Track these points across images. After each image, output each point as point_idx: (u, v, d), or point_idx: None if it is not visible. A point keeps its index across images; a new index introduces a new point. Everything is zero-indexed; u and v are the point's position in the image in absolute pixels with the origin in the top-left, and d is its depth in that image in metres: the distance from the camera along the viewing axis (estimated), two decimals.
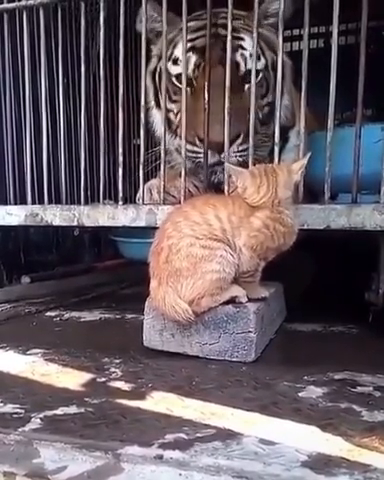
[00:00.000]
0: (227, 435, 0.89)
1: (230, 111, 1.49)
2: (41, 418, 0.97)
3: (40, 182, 1.77)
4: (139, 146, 1.63)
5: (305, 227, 1.39)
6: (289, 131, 1.88)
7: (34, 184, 1.80)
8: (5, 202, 1.82)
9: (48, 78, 1.77)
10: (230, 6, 1.46)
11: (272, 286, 1.51)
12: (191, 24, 1.71)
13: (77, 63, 1.81)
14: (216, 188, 1.63)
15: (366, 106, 1.48)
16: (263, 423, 0.94)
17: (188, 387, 1.12)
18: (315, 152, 1.35)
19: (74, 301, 2.13)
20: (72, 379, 1.18)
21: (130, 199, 1.88)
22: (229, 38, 1.48)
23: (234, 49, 1.69)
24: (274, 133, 1.47)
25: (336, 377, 1.18)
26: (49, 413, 0.99)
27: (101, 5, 1.61)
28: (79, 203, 1.69)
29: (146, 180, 1.70)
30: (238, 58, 1.71)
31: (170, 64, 1.79)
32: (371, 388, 1.11)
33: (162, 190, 1.57)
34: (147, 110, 1.90)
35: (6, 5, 1.74)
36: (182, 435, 0.88)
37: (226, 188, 1.49)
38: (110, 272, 2.75)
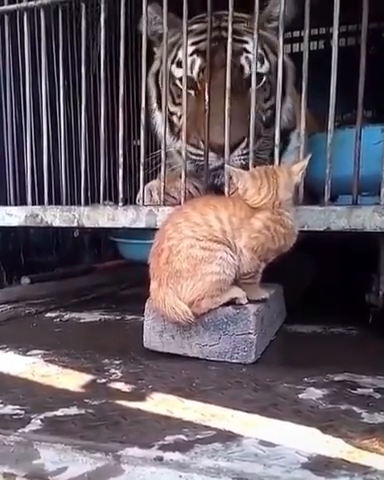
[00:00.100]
0: (227, 437, 0.88)
1: (235, 114, 1.49)
2: (41, 419, 0.96)
3: (40, 183, 1.77)
4: (139, 147, 1.63)
5: (305, 229, 1.39)
6: (290, 133, 1.88)
7: (34, 185, 1.80)
8: (5, 203, 1.83)
9: (48, 79, 1.77)
10: (231, 9, 1.46)
11: (272, 287, 1.51)
12: (195, 27, 1.71)
13: (78, 64, 1.81)
14: (217, 190, 1.63)
15: (366, 108, 1.48)
16: (263, 425, 0.94)
17: (188, 388, 1.12)
18: (315, 154, 1.35)
19: (74, 302, 2.13)
20: (72, 380, 1.18)
21: (130, 200, 1.88)
22: (230, 40, 1.48)
23: (238, 52, 1.69)
24: (279, 136, 1.47)
25: (336, 379, 1.18)
26: (49, 414, 0.99)
27: (102, 6, 1.61)
28: (79, 204, 1.69)
29: (146, 181, 1.70)
30: (242, 61, 1.71)
31: (174, 67, 1.79)
32: (371, 390, 1.10)
33: (162, 191, 1.58)
34: (149, 112, 1.90)
35: (7, 6, 1.74)
36: (182, 437, 0.88)
37: (226, 189, 1.49)
38: (110, 273, 2.75)
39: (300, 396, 1.07)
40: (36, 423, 0.95)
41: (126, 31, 1.60)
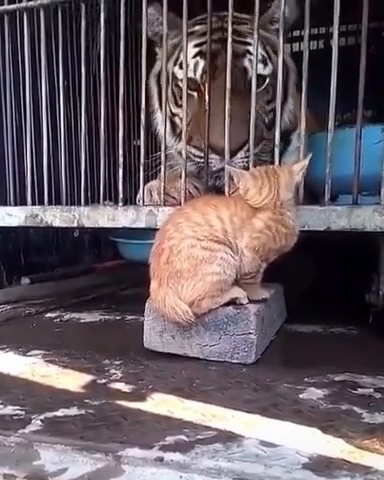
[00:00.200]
0: (228, 437, 0.88)
1: (238, 117, 1.48)
2: (41, 420, 0.96)
3: (40, 183, 1.76)
4: (139, 147, 1.63)
5: (305, 228, 1.38)
6: (291, 134, 1.88)
7: (34, 185, 1.80)
8: (5, 203, 1.82)
9: (48, 79, 1.77)
10: (230, 10, 1.46)
11: (272, 287, 1.51)
12: (197, 28, 1.71)
13: (77, 64, 1.81)
14: (218, 191, 1.63)
15: (366, 107, 1.48)
16: (264, 425, 0.94)
17: (188, 389, 1.12)
18: (315, 153, 1.35)
19: (74, 302, 2.13)
20: (72, 380, 1.18)
21: (130, 200, 1.87)
22: (230, 41, 1.47)
23: (241, 54, 1.69)
24: (279, 137, 1.46)
25: (337, 379, 1.18)
26: (49, 415, 0.99)
27: (101, 6, 1.60)
28: (79, 204, 1.69)
29: (147, 182, 1.69)
30: (246, 63, 1.70)
31: (177, 68, 1.79)
32: (372, 390, 1.10)
33: (162, 191, 1.57)
34: (150, 113, 1.90)
35: (6, 6, 1.74)
36: (183, 437, 0.88)
37: (227, 190, 1.49)
38: (110, 273, 2.75)
39: (301, 396, 1.07)
40: (36, 424, 0.95)
41: (126, 31, 1.60)
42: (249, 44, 1.69)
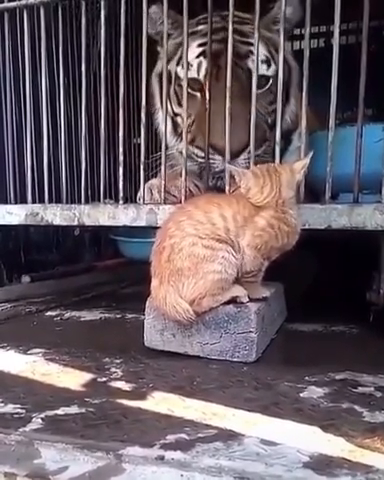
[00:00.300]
0: (228, 436, 0.88)
1: (241, 118, 1.48)
2: (42, 418, 0.96)
3: (40, 181, 1.76)
4: (140, 145, 1.63)
5: (306, 227, 1.38)
6: (292, 133, 1.88)
7: (34, 183, 1.79)
8: (5, 201, 1.82)
9: (48, 77, 1.77)
10: (231, 9, 1.45)
11: (273, 286, 1.51)
12: (201, 28, 1.70)
13: (78, 62, 1.81)
14: (218, 191, 1.63)
15: (367, 106, 1.47)
16: (264, 423, 0.94)
17: (189, 387, 1.12)
18: (316, 152, 1.35)
19: (74, 301, 2.12)
20: (73, 379, 1.18)
21: (131, 198, 1.87)
22: (230, 40, 1.47)
23: (245, 55, 1.68)
24: (279, 135, 1.46)
25: (337, 377, 1.18)
26: (50, 413, 0.99)
27: (102, 4, 1.60)
28: (79, 202, 1.69)
29: (147, 181, 1.69)
30: (249, 64, 1.69)
31: (180, 68, 1.78)
32: (372, 388, 1.10)
33: (163, 190, 1.57)
34: (153, 112, 1.90)
35: (6, 4, 1.74)
36: (183, 435, 0.88)
37: (227, 188, 1.49)
38: (110, 271, 2.75)
39: (301, 395, 1.07)
40: (37, 422, 0.95)
41: (126, 29, 1.59)
42: (252, 44, 1.68)
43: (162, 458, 0.80)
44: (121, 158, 1.65)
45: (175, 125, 1.87)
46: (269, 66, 1.73)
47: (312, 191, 1.51)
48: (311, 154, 1.31)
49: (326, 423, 0.93)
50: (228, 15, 1.61)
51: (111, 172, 1.81)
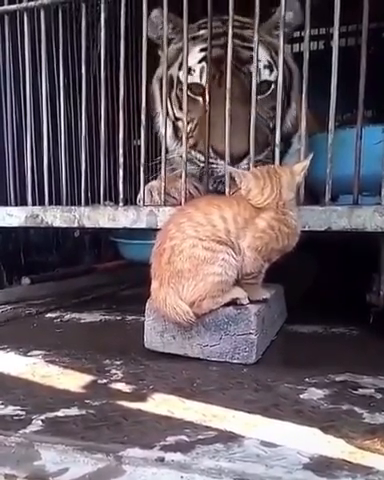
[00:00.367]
0: (228, 437, 0.88)
1: (244, 123, 1.48)
2: (42, 420, 0.96)
3: (40, 183, 1.76)
4: (140, 147, 1.63)
5: (306, 229, 1.38)
6: (292, 136, 1.88)
7: (34, 185, 1.80)
8: (5, 203, 1.82)
9: (49, 79, 1.77)
10: (231, 13, 1.45)
11: (273, 288, 1.51)
12: (203, 32, 1.70)
13: (78, 65, 1.81)
14: (219, 193, 1.63)
15: (366, 107, 1.48)
16: (264, 425, 0.94)
17: (189, 389, 1.12)
18: (316, 154, 1.35)
19: (74, 302, 2.13)
20: (73, 381, 1.18)
21: (131, 200, 1.88)
22: (230, 44, 1.47)
23: (247, 60, 1.68)
24: (279, 136, 1.46)
25: (337, 379, 1.18)
26: (50, 415, 0.99)
27: (102, 6, 1.60)
28: (79, 204, 1.69)
29: (147, 182, 1.69)
30: (252, 69, 1.69)
31: (182, 73, 1.78)
32: (372, 390, 1.10)
33: (163, 191, 1.57)
34: (154, 116, 1.90)
35: (7, 7, 1.74)
36: (183, 437, 0.88)
37: (227, 190, 1.49)
38: (110, 273, 2.75)
39: (301, 396, 1.07)
40: (37, 424, 0.95)
41: (126, 31, 1.60)
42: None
43: (162, 460, 0.80)
44: (121, 160, 1.65)
45: (176, 129, 1.87)
46: (271, 71, 1.73)
47: (312, 193, 1.51)
48: (311, 156, 1.31)
49: (326, 425, 0.93)
50: (227, 20, 1.61)
51: (111, 174, 1.82)
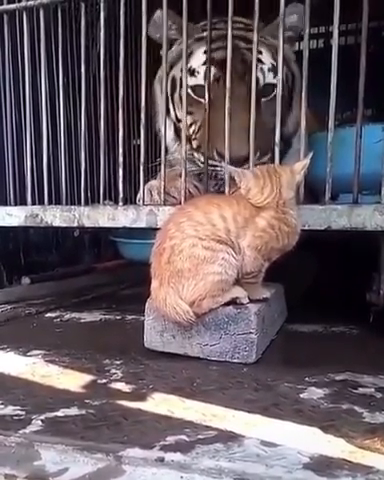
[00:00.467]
0: (228, 437, 0.88)
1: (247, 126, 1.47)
2: (42, 420, 0.96)
3: (40, 183, 1.76)
4: (139, 147, 1.63)
5: (306, 228, 1.38)
6: (292, 137, 1.87)
7: (34, 185, 1.79)
8: (5, 203, 1.82)
9: (48, 79, 1.77)
10: (230, 14, 1.45)
11: (273, 287, 1.51)
12: (207, 34, 1.68)
13: (77, 64, 1.81)
14: (219, 193, 1.63)
15: (366, 106, 1.47)
16: (264, 425, 0.94)
17: (189, 388, 1.12)
18: (316, 152, 1.35)
19: (74, 302, 2.12)
20: (73, 380, 1.18)
21: (130, 200, 1.87)
22: (229, 44, 1.46)
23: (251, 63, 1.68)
24: (279, 135, 1.46)
25: (337, 378, 1.18)
26: (50, 415, 0.99)
27: (101, 5, 1.60)
28: (79, 204, 1.69)
29: (147, 181, 1.69)
30: (258, 73, 1.68)
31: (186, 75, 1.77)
32: (372, 389, 1.10)
33: (162, 191, 1.57)
34: (154, 117, 1.90)
35: (6, 6, 1.74)
36: (183, 437, 0.88)
37: (227, 189, 1.49)
38: (110, 273, 2.75)
39: (301, 396, 1.07)
40: (37, 424, 0.95)
41: (126, 31, 1.59)
42: (259, 52, 1.67)
43: (162, 459, 0.80)
44: (121, 159, 1.65)
45: (178, 130, 1.86)
46: (275, 74, 1.72)
47: (312, 192, 1.51)
48: (311, 155, 1.31)
49: (326, 424, 0.93)
50: (234, 21, 1.60)
51: (111, 173, 1.81)
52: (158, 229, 1.37)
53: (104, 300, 2.19)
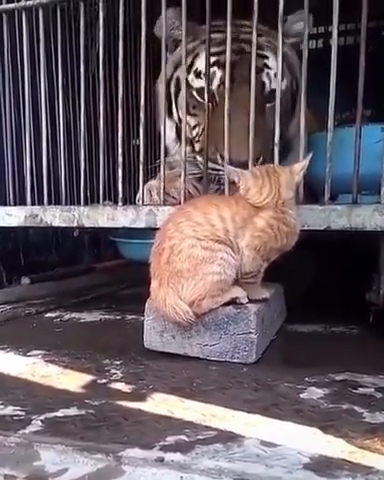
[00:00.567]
0: (228, 437, 0.88)
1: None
2: (42, 420, 0.96)
3: (40, 183, 1.76)
4: (139, 147, 1.63)
5: (305, 228, 1.38)
6: (293, 141, 1.87)
7: (34, 185, 1.79)
8: (5, 203, 1.82)
9: (47, 79, 1.77)
10: (229, 16, 1.45)
11: (272, 287, 1.51)
12: (214, 36, 1.68)
13: (76, 64, 1.80)
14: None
15: (366, 106, 1.47)
16: (264, 425, 0.93)
17: (189, 389, 1.12)
18: (315, 153, 1.35)
19: (74, 302, 2.12)
20: (73, 381, 1.17)
21: (130, 200, 1.87)
22: (228, 46, 1.46)
23: (260, 68, 1.67)
24: (278, 135, 1.46)
25: (337, 378, 1.17)
26: (50, 415, 0.98)
27: (100, 5, 1.60)
28: (79, 204, 1.69)
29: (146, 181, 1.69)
30: (264, 78, 1.68)
31: (192, 76, 1.77)
32: (372, 389, 1.10)
33: (162, 191, 1.57)
34: (157, 117, 1.89)
35: (5, 6, 1.74)
36: (183, 437, 0.88)
37: (226, 190, 1.49)
38: (110, 273, 2.75)
39: (301, 396, 1.07)
40: (36, 424, 0.95)
41: (125, 30, 1.59)
42: (267, 57, 1.67)
43: (162, 460, 0.80)
44: (120, 159, 1.65)
45: (181, 132, 1.86)
46: (282, 80, 1.72)
47: (311, 192, 1.51)
48: (310, 155, 1.31)
49: (326, 424, 0.93)
50: (240, 25, 1.59)
51: (110, 173, 1.81)
52: (157, 229, 1.37)
53: (104, 300, 2.19)
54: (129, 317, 1.83)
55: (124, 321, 1.80)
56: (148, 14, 1.56)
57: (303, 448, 0.83)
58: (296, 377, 1.18)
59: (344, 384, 1.14)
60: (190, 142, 1.83)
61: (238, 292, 1.29)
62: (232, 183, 1.39)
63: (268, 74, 1.68)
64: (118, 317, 1.85)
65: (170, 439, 0.87)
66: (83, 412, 1.00)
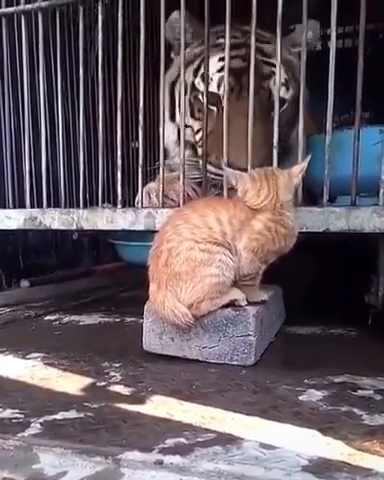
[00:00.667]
0: (227, 440, 0.88)
1: (259, 138, 1.47)
2: (41, 423, 0.96)
3: (39, 185, 1.76)
4: (138, 149, 1.63)
5: (304, 230, 1.38)
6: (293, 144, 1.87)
7: (33, 188, 1.80)
8: (4, 206, 1.82)
9: (46, 82, 1.77)
10: (227, 22, 1.45)
11: (271, 289, 1.51)
12: (221, 41, 1.68)
13: (76, 67, 1.81)
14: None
15: (364, 109, 1.48)
16: (263, 427, 0.94)
17: (188, 391, 1.12)
18: (314, 155, 1.35)
19: (73, 305, 2.12)
20: (72, 383, 1.17)
21: (129, 203, 1.87)
22: (227, 54, 1.46)
23: (267, 76, 1.67)
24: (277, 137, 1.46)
25: (336, 380, 1.18)
26: (49, 418, 0.98)
27: (99, 9, 1.61)
28: (78, 207, 1.69)
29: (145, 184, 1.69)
30: (271, 85, 1.68)
31: (198, 80, 1.77)
32: (371, 391, 1.10)
33: (161, 194, 1.57)
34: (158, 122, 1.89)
35: (4, 9, 1.74)
36: (182, 440, 0.88)
37: (225, 192, 1.49)
38: (109, 275, 2.75)
39: (300, 398, 1.07)
40: (35, 427, 0.94)
41: (124, 33, 1.60)
42: (273, 65, 1.67)
43: (161, 462, 0.80)
44: (119, 162, 1.65)
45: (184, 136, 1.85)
46: (287, 89, 1.72)
47: (310, 194, 1.51)
48: (309, 158, 1.31)
49: (325, 426, 0.93)
50: (247, 31, 1.59)
51: (109, 176, 1.81)
52: (156, 232, 1.37)
53: (103, 303, 2.19)
54: (128, 320, 1.83)
55: (123, 324, 1.80)
56: (147, 17, 1.57)
57: (302, 450, 0.83)
58: (295, 379, 1.18)
59: (343, 386, 1.14)
60: (193, 146, 1.83)
61: (237, 294, 1.30)
62: (231, 189, 1.39)
63: (275, 82, 1.68)
64: (117, 320, 1.85)
65: (169, 442, 0.87)
66: (82, 415, 1.00)
